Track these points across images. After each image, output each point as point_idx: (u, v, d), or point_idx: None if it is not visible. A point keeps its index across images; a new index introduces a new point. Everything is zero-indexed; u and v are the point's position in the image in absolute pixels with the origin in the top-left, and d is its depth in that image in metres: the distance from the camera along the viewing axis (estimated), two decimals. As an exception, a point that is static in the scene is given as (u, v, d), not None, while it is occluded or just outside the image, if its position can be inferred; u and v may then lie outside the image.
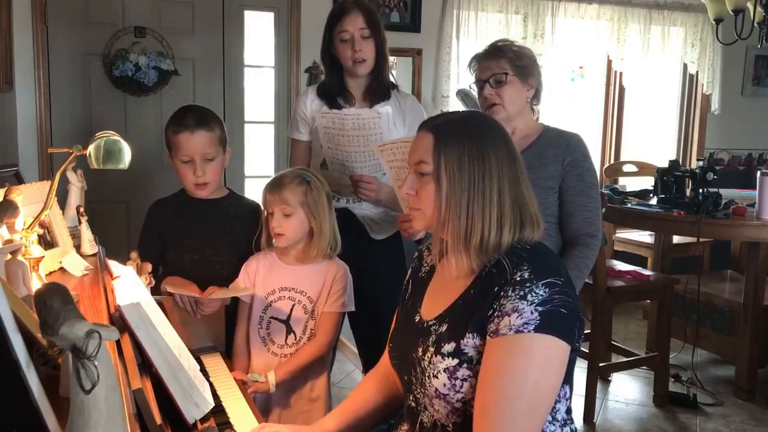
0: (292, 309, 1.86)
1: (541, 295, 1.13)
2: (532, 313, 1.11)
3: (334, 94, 2.19)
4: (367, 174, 2.09)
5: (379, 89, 2.18)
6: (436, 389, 1.20)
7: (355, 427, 1.43)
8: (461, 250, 1.21)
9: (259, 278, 1.88)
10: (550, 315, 1.12)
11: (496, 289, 1.17)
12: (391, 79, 2.26)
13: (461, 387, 1.17)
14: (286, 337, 1.86)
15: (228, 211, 2.02)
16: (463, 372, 1.17)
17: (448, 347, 1.19)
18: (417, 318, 1.32)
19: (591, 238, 2.02)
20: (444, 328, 1.23)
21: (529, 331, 1.10)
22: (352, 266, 1.93)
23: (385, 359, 1.48)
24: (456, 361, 1.18)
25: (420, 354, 1.25)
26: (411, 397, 1.30)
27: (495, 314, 1.15)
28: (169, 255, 2.01)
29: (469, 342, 1.18)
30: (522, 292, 1.13)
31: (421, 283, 1.39)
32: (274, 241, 1.86)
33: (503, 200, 1.20)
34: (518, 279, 1.15)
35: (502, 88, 2.04)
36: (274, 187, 1.83)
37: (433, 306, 1.30)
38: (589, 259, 2.02)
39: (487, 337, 1.15)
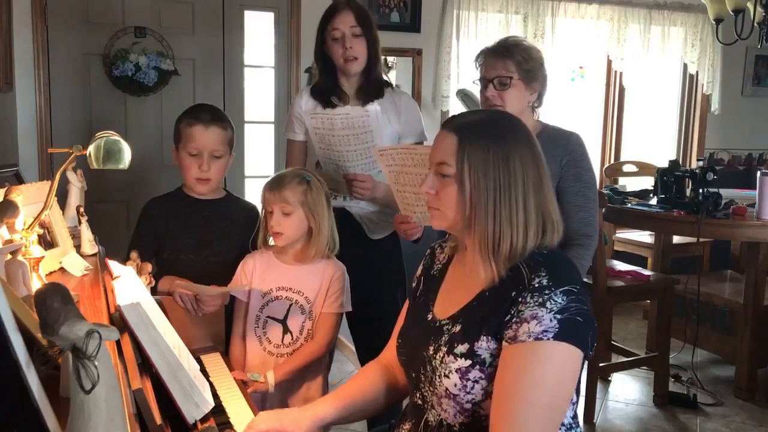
0: (289, 309, 1.86)
1: (560, 303, 1.12)
2: (551, 320, 1.11)
3: (328, 94, 2.19)
4: (360, 172, 2.09)
5: (372, 88, 2.18)
6: (447, 389, 1.20)
7: (350, 414, 1.41)
8: (489, 257, 1.19)
9: (256, 277, 1.88)
10: (568, 323, 1.11)
11: (513, 294, 1.16)
12: (386, 78, 2.26)
13: (472, 388, 1.17)
14: (283, 337, 1.86)
15: (225, 212, 2.03)
16: (475, 374, 1.17)
17: (461, 348, 1.19)
18: (430, 316, 1.32)
19: (587, 238, 2.02)
20: (458, 328, 1.23)
21: (548, 339, 1.10)
22: (349, 265, 1.93)
23: (386, 351, 1.48)
24: (469, 362, 1.18)
25: (431, 353, 1.24)
26: (418, 395, 1.30)
27: (513, 320, 1.14)
28: (165, 255, 2.01)
29: (483, 345, 1.17)
30: (541, 299, 1.13)
31: (434, 281, 1.38)
32: (272, 239, 1.86)
33: (528, 206, 1.19)
34: (536, 285, 1.15)
35: (505, 92, 2.03)
36: (274, 185, 1.83)
37: (446, 305, 1.30)
38: (585, 259, 2.03)
39: (504, 343, 1.15)
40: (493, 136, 1.20)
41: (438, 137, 1.26)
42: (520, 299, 1.15)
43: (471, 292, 1.24)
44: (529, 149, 1.21)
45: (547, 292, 1.13)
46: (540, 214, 1.21)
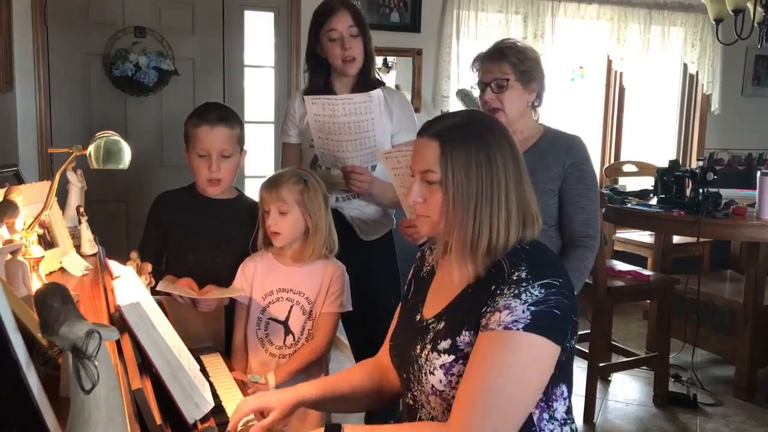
0: (290, 310, 1.86)
1: (536, 296, 1.13)
2: (523, 312, 1.12)
3: (319, 94, 2.18)
4: (359, 165, 2.07)
5: (366, 88, 2.16)
6: (433, 386, 1.21)
7: (332, 400, 1.42)
8: (467, 257, 1.20)
9: (257, 279, 1.88)
10: (542, 315, 1.12)
11: (492, 287, 1.18)
12: (378, 77, 2.25)
13: (457, 383, 1.18)
14: (285, 338, 1.86)
15: (236, 213, 2.01)
16: (459, 368, 1.18)
17: (444, 344, 1.20)
18: (418, 317, 1.33)
19: (590, 239, 2.04)
20: (442, 325, 1.24)
21: (517, 329, 1.11)
22: None
23: (382, 352, 1.48)
24: (452, 357, 1.19)
25: (418, 351, 1.25)
26: (409, 395, 1.31)
27: (488, 310, 1.16)
28: (173, 253, 2.00)
29: (465, 339, 1.18)
30: (516, 291, 1.14)
31: (423, 283, 1.39)
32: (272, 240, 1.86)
33: (510, 203, 1.20)
34: (515, 278, 1.16)
35: (503, 94, 2.03)
36: (271, 185, 1.83)
37: (433, 305, 1.31)
38: (588, 260, 2.04)
39: (479, 332, 1.16)
40: (474, 138, 1.21)
41: (418, 145, 1.25)
42: (498, 291, 1.16)
43: (456, 290, 1.25)
44: (508, 145, 1.23)
45: (524, 284, 1.15)
46: (521, 209, 1.22)
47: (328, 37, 2.11)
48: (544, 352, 1.13)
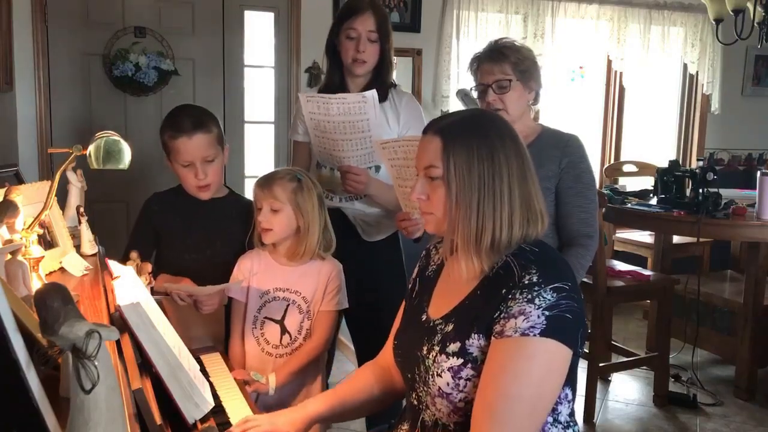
0: (286, 309, 1.86)
1: (549, 300, 1.13)
2: (539, 317, 1.11)
3: (334, 91, 2.17)
4: (355, 165, 2.06)
5: (379, 92, 2.15)
6: (440, 388, 1.20)
7: (343, 412, 1.42)
8: (472, 252, 1.20)
9: (254, 277, 1.88)
10: (557, 320, 1.12)
11: (503, 291, 1.17)
12: (393, 82, 2.25)
13: (464, 387, 1.18)
14: (281, 338, 1.86)
15: (228, 211, 2.01)
16: (467, 372, 1.17)
17: (453, 347, 1.20)
18: (424, 317, 1.32)
19: (588, 238, 2.03)
20: (450, 327, 1.23)
21: (534, 335, 1.10)
22: (347, 267, 1.93)
23: (384, 353, 1.48)
24: (460, 360, 1.18)
25: (425, 353, 1.25)
26: (413, 396, 1.30)
27: (501, 316, 1.15)
28: (167, 253, 2.00)
29: (474, 342, 1.18)
30: (530, 296, 1.13)
31: (429, 282, 1.38)
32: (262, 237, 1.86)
33: (513, 199, 1.20)
34: (526, 282, 1.15)
35: (505, 94, 2.03)
36: (265, 182, 1.84)
37: (440, 305, 1.30)
38: (585, 259, 2.03)
39: (492, 338, 1.15)
40: (476, 132, 1.21)
41: (422, 142, 1.26)
42: (509, 296, 1.16)
43: (464, 291, 1.25)
44: (512, 143, 1.22)
45: (536, 288, 1.14)
46: (524, 205, 1.21)
47: (346, 34, 2.11)
48: (558, 356, 1.13)
